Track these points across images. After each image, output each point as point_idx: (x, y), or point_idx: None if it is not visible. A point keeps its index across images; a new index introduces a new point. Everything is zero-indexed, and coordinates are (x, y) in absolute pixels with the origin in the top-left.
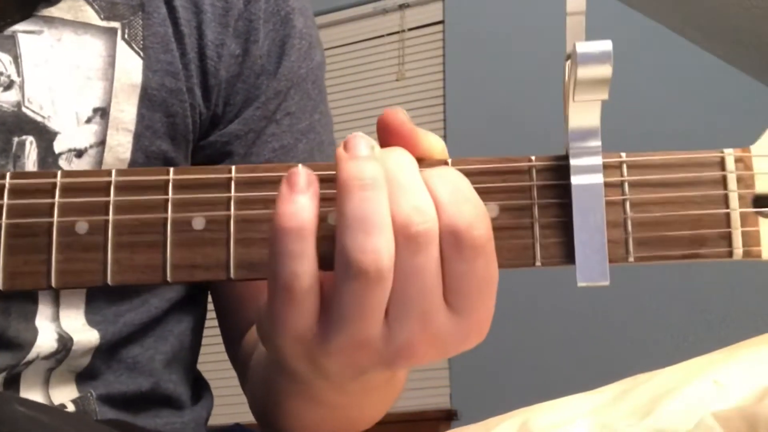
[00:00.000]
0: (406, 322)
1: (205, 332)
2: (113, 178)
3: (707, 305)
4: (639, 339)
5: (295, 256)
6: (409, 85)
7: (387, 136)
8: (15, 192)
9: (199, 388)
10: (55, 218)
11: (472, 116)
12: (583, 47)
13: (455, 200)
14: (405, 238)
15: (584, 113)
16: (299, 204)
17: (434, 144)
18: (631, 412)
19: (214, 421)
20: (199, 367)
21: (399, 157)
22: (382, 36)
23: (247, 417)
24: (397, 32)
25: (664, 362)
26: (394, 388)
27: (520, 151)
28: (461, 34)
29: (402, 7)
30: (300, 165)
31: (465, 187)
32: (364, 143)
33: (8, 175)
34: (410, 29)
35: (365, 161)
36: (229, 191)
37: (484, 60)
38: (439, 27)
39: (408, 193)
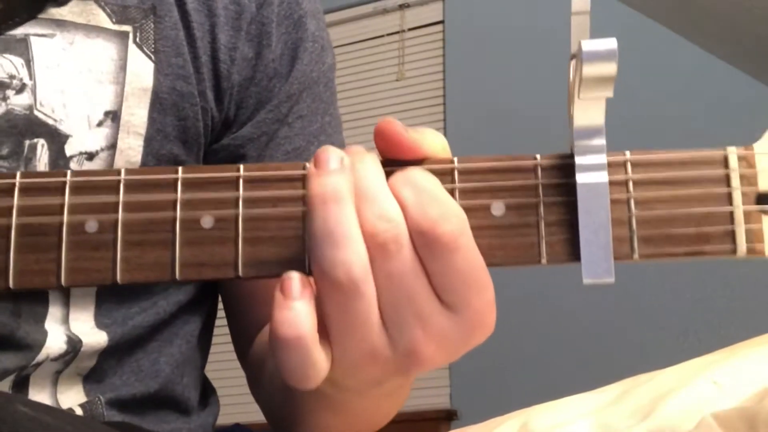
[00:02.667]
0: (404, 327)
1: None
2: (122, 176)
3: (707, 305)
4: (639, 339)
5: (299, 363)
6: (409, 85)
7: (385, 145)
8: (25, 191)
9: (206, 392)
10: (65, 217)
11: (472, 116)
12: (589, 45)
13: (419, 201)
14: (375, 247)
15: (589, 111)
16: (295, 311)
17: (435, 143)
18: (632, 412)
19: None
20: None
21: (364, 166)
22: (382, 36)
23: (247, 417)
24: (397, 32)
25: (664, 362)
26: (409, 386)
27: (520, 150)
28: (461, 34)
29: (402, 7)
30: (293, 273)
31: (431, 186)
32: (334, 157)
33: (18, 174)
34: (410, 29)
35: (329, 176)
36: (238, 190)
37: (484, 60)
38: (439, 27)
39: (372, 202)
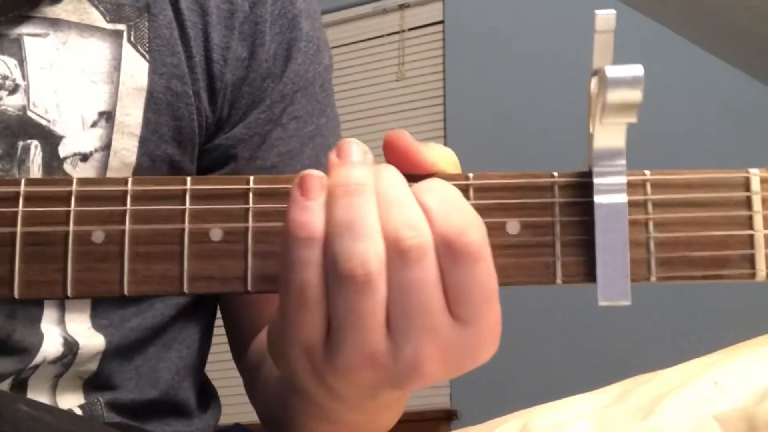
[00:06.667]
0: (411, 336)
1: None
2: (129, 187)
3: (707, 305)
4: (639, 339)
5: (307, 264)
6: (409, 85)
7: (394, 156)
8: (30, 200)
9: (207, 394)
10: (71, 227)
11: (472, 116)
12: (614, 72)
13: (445, 210)
14: (397, 253)
15: (610, 134)
16: (311, 211)
17: (443, 156)
18: (632, 413)
19: None
20: None
21: (390, 173)
22: (382, 36)
23: (247, 417)
24: (397, 32)
25: (664, 362)
26: (403, 402)
27: (519, 150)
28: (461, 34)
29: (402, 7)
30: (313, 171)
31: (454, 196)
32: (356, 149)
33: (23, 182)
34: (410, 29)
35: (355, 167)
36: (247, 202)
37: (484, 60)
38: (439, 27)
39: (398, 208)
